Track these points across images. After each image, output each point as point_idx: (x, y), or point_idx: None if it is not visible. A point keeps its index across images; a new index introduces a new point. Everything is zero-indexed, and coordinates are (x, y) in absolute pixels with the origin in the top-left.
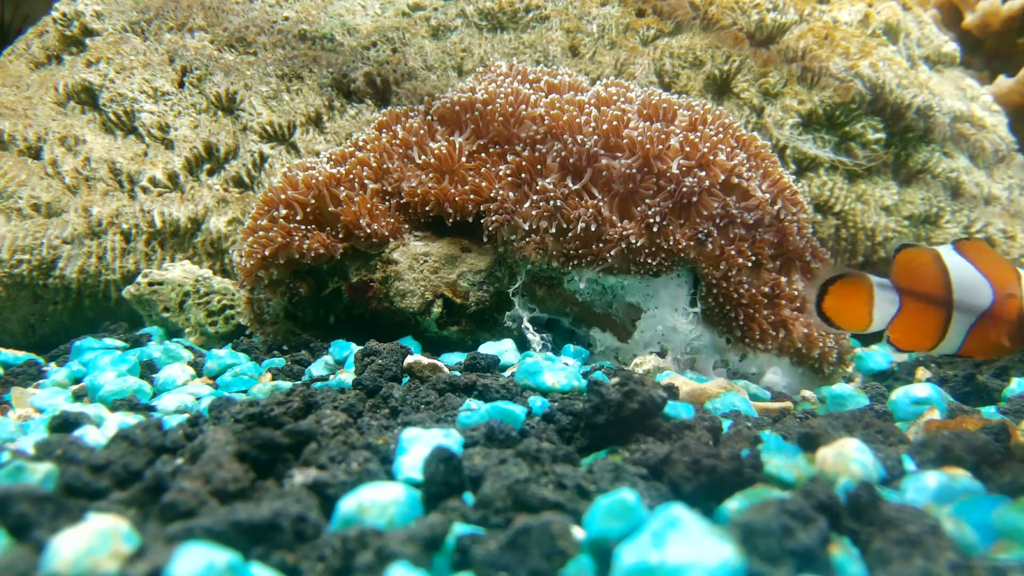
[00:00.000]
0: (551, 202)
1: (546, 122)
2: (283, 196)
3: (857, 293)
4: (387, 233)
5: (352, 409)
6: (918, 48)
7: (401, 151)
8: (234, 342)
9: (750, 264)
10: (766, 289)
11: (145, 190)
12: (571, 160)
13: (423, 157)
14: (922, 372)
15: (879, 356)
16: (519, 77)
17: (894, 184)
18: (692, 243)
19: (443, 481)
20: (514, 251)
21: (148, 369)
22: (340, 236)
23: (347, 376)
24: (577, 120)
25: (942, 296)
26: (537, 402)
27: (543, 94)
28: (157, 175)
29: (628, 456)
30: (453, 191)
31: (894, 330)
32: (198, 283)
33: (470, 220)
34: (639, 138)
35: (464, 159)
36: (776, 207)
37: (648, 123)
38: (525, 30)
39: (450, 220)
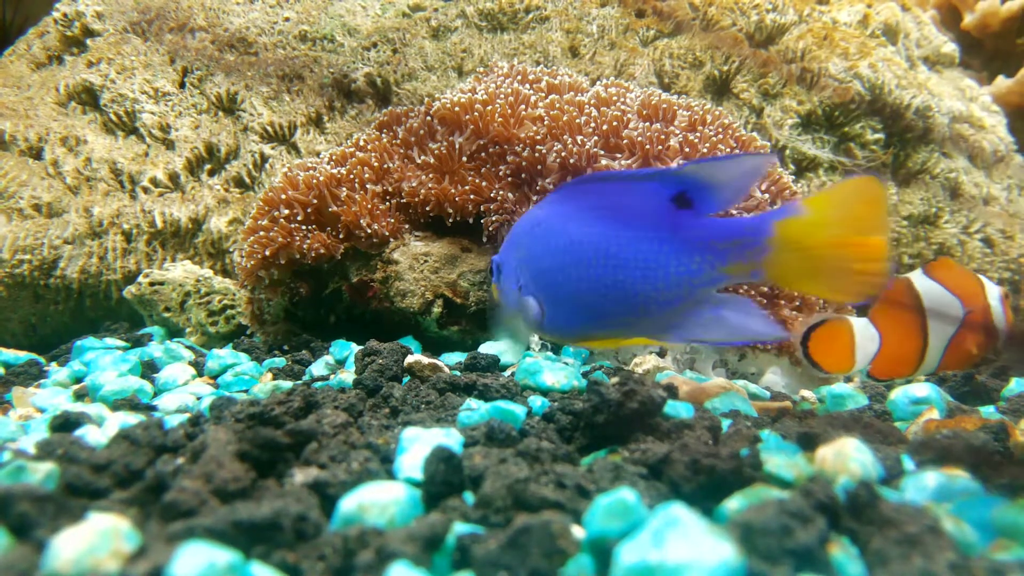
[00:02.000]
0: None
1: (546, 122)
2: (284, 196)
3: (839, 336)
4: (387, 233)
5: (353, 409)
6: (917, 49)
7: (401, 151)
8: (235, 342)
9: None
10: (765, 289)
11: (146, 190)
12: (571, 160)
13: (423, 157)
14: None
15: None
16: (519, 77)
17: (893, 184)
18: None
19: (443, 480)
20: None
21: (149, 369)
22: (341, 236)
23: (347, 376)
24: (577, 120)
25: (918, 324)
26: (537, 402)
27: (543, 94)
28: (158, 175)
29: (628, 455)
30: (453, 191)
31: (876, 364)
32: (199, 283)
33: (470, 220)
34: (639, 138)
35: (464, 159)
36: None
37: (648, 123)
38: (525, 31)
39: (450, 220)
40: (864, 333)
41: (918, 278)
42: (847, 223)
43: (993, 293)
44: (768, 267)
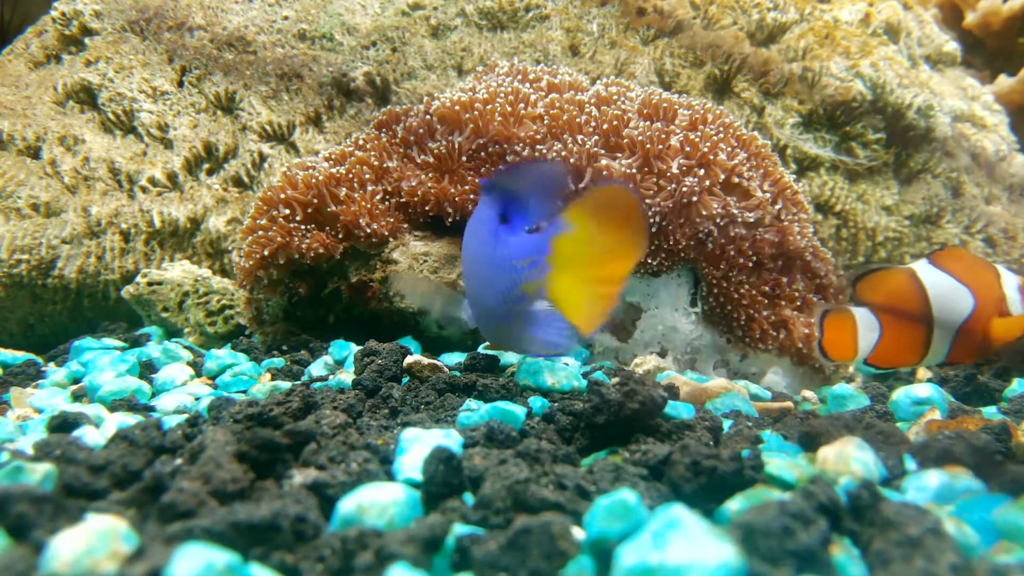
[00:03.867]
0: None
1: (546, 122)
2: (282, 196)
3: (842, 326)
4: (387, 233)
5: (352, 409)
6: (919, 47)
7: (401, 150)
8: (233, 342)
9: (751, 264)
10: (767, 289)
11: (144, 190)
12: (571, 160)
13: (423, 156)
14: (923, 372)
15: None
16: (519, 76)
17: (895, 184)
18: (692, 243)
19: (443, 481)
20: None
21: (147, 369)
22: (340, 236)
23: (346, 376)
24: (577, 120)
25: (921, 314)
26: (537, 402)
27: (543, 93)
28: (156, 175)
29: (628, 456)
30: (453, 190)
31: (877, 352)
32: (197, 283)
33: None
34: (639, 138)
35: (464, 158)
36: (777, 207)
37: (648, 123)
38: (525, 29)
39: (450, 220)
40: (864, 321)
41: (923, 268)
42: (602, 238)
43: (1011, 283)
44: (547, 286)
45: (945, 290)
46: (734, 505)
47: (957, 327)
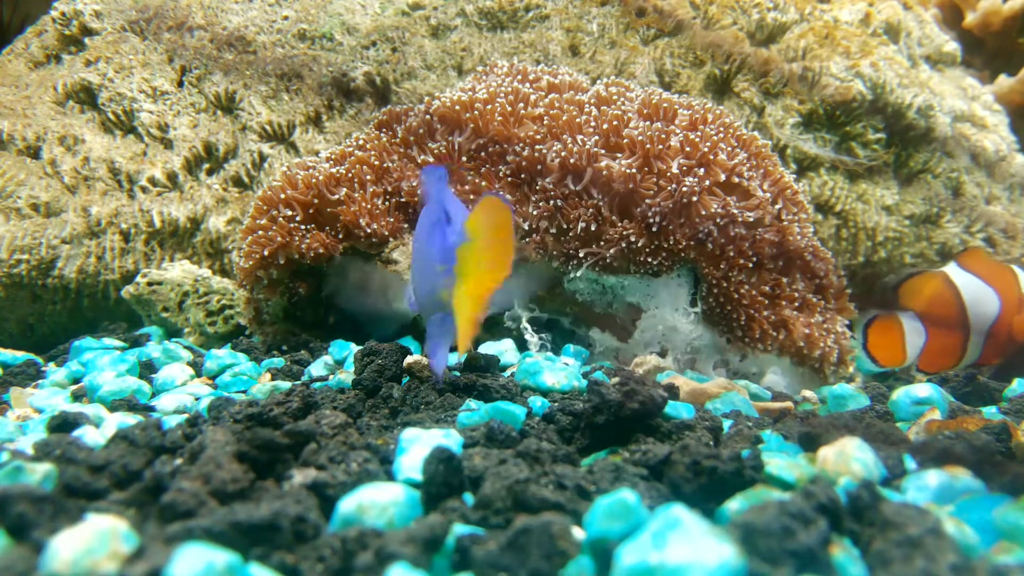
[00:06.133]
0: (551, 202)
1: (546, 122)
2: (282, 196)
3: (890, 331)
4: (387, 233)
5: (352, 409)
6: (919, 47)
7: (401, 150)
8: (233, 342)
9: (751, 264)
10: (767, 289)
11: (144, 190)
12: (571, 160)
13: (423, 156)
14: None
15: None
16: (519, 76)
17: (895, 184)
18: (692, 243)
19: (443, 481)
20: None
21: (147, 369)
22: (340, 236)
23: (346, 376)
24: (577, 120)
25: (960, 317)
26: (537, 402)
27: (543, 93)
28: (156, 175)
29: (628, 456)
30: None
31: (924, 358)
32: (197, 283)
33: None
34: (639, 138)
35: (464, 159)
36: (777, 207)
37: (648, 123)
38: (525, 29)
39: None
40: (912, 327)
41: (954, 271)
42: (488, 252)
43: None
44: (454, 297)
45: (976, 292)
46: (734, 505)
47: (988, 328)
